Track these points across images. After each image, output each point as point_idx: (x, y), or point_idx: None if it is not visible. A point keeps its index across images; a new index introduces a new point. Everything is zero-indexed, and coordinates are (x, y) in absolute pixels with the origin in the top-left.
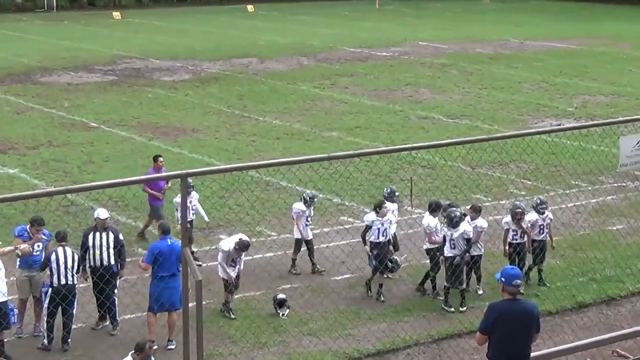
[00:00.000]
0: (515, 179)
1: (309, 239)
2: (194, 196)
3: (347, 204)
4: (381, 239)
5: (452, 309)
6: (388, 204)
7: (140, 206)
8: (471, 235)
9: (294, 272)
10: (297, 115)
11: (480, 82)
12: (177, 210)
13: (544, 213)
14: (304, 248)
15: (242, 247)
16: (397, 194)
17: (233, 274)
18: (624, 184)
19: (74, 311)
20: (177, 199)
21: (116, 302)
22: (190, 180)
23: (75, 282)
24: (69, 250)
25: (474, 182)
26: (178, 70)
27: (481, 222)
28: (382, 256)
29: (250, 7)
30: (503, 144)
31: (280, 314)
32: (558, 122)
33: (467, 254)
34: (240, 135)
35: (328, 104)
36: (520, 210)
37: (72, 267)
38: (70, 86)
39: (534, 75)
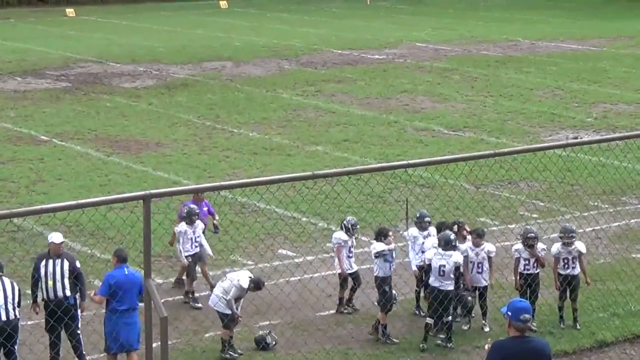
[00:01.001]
0: (526, 200)
1: (352, 271)
2: (199, 226)
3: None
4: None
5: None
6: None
7: (97, 232)
8: (460, 263)
9: (344, 310)
10: (277, 127)
11: (486, 88)
12: (178, 242)
13: (571, 245)
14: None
15: (257, 288)
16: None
17: (239, 311)
18: None
19: (16, 353)
20: (178, 228)
21: (81, 340)
22: (194, 206)
23: (18, 316)
24: (7, 280)
25: (479, 204)
26: (141, 76)
27: (489, 246)
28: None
29: (223, 3)
30: (512, 160)
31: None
32: (575, 134)
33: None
34: (212, 149)
35: (312, 114)
36: (532, 235)
37: (13, 300)
38: (16, 94)
39: (547, 81)
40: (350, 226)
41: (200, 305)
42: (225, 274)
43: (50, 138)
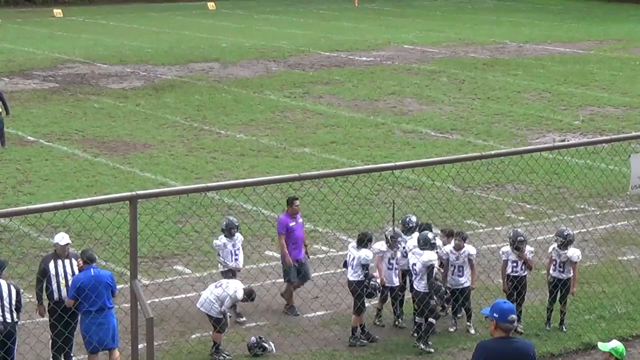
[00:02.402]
0: (512, 202)
1: (393, 285)
2: (239, 238)
3: (320, 230)
4: None
5: (431, 350)
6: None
7: (83, 232)
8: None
9: (377, 323)
10: (265, 129)
11: (473, 91)
12: (218, 255)
13: (562, 248)
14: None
15: (249, 298)
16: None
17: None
18: (636, 208)
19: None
20: (217, 242)
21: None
22: (233, 219)
23: (15, 319)
24: (4, 283)
25: (466, 206)
26: (128, 77)
27: (470, 249)
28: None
29: (210, 5)
30: (499, 162)
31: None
32: (562, 137)
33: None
34: (199, 151)
35: (300, 116)
36: (521, 239)
37: (10, 303)
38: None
39: (534, 84)
40: (390, 237)
41: (244, 319)
42: (215, 280)
43: (38, 139)
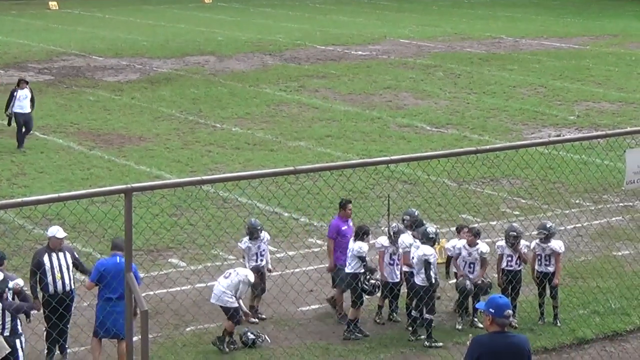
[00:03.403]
0: (507, 197)
1: (395, 281)
2: (265, 239)
3: (315, 224)
4: None
5: (441, 344)
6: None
7: (78, 224)
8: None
9: (377, 320)
10: (260, 122)
11: (469, 85)
12: (243, 259)
13: (544, 242)
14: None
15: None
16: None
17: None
18: (631, 204)
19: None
20: (242, 245)
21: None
22: (255, 221)
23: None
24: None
25: (461, 201)
26: (124, 70)
27: (483, 247)
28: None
29: None
30: (494, 157)
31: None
32: (557, 132)
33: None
34: (195, 144)
35: (295, 110)
36: (514, 234)
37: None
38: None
39: (530, 79)
40: (392, 233)
41: (256, 321)
42: (212, 273)
43: (33, 131)
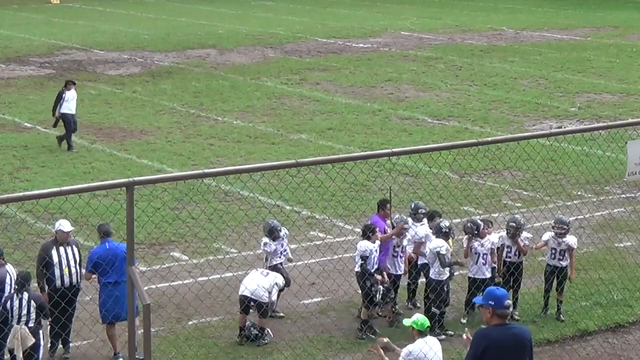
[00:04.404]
0: (509, 189)
1: (397, 274)
2: (286, 238)
3: (317, 217)
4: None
5: (451, 332)
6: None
7: (80, 218)
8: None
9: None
10: (262, 115)
11: (470, 77)
12: (266, 260)
13: (562, 237)
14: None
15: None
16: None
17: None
18: (633, 195)
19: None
20: (268, 249)
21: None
22: (277, 222)
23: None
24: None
25: (463, 193)
26: (125, 63)
27: (493, 237)
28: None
29: None
30: (496, 148)
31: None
32: (559, 124)
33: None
34: (196, 137)
35: (297, 103)
36: (514, 224)
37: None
38: (0, 81)
39: (531, 71)
40: (394, 224)
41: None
42: (213, 267)
43: (34, 125)
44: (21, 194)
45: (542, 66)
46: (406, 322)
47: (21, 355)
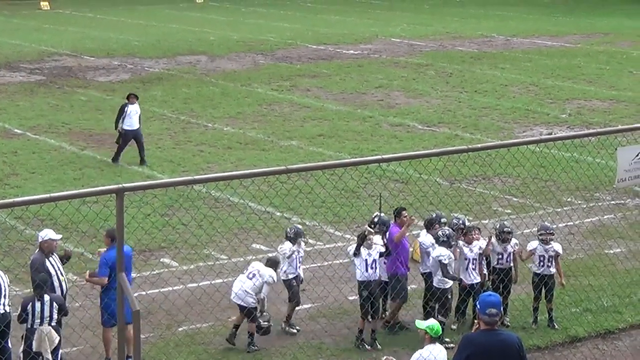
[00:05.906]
0: (499, 195)
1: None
2: (302, 245)
3: (307, 223)
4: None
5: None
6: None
7: (70, 225)
8: (445, 260)
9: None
10: (252, 122)
11: (460, 84)
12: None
13: (548, 243)
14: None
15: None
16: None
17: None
18: (623, 202)
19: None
20: (289, 253)
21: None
22: (299, 227)
23: (8, 310)
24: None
25: (453, 199)
26: (115, 70)
27: (481, 243)
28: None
29: None
30: (486, 155)
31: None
32: (549, 130)
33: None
34: (187, 144)
35: (287, 109)
36: (506, 230)
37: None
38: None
39: (522, 77)
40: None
41: (296, 330)
42: (203, 273)
43: (24, 131)
44: (11, 200)
45: (532, 73)
46: (419, 324)
47: (50, 356)
